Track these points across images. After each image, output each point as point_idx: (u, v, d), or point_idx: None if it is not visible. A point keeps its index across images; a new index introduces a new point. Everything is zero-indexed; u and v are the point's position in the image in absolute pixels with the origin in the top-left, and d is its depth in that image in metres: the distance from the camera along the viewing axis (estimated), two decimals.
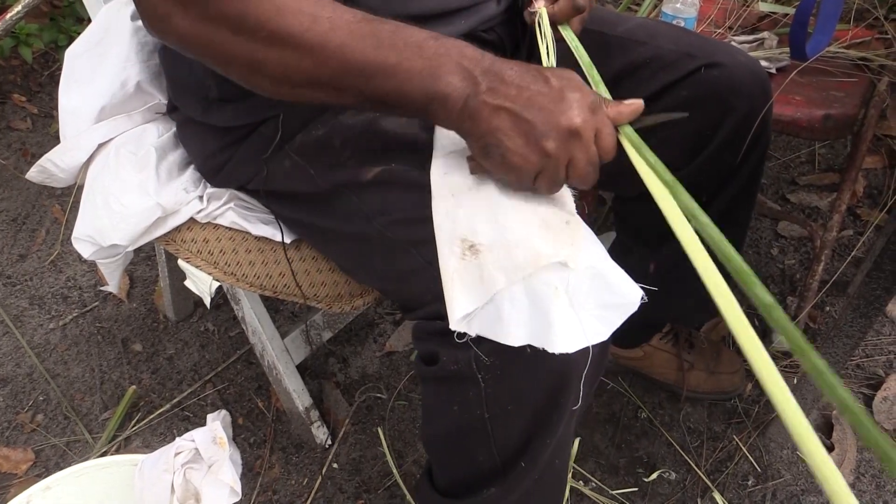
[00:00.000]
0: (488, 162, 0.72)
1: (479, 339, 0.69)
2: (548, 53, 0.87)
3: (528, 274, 0.65)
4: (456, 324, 0.68)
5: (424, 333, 0.76)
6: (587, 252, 0.68)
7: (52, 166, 1.06)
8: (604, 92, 0.81)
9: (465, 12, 0.93)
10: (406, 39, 0.70)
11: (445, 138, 0.79)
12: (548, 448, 0.76)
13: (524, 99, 0.69)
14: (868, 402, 1.44)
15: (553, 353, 0.65)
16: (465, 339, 0.69)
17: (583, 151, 0.70)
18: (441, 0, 0.89)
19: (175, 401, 1.42)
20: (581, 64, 0.87)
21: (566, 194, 0.74)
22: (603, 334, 0.67)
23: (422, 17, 0.88)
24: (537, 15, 0.90)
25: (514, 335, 0.66)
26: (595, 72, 0.85)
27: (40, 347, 1.53)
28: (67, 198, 1.83)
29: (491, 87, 0.69)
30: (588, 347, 0.67)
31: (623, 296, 0.68)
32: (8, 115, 2.06)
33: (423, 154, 0.77)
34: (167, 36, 0.76)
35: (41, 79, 2.16)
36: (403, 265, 0.79)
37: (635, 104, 0.74)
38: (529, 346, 0.66)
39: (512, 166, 0.70)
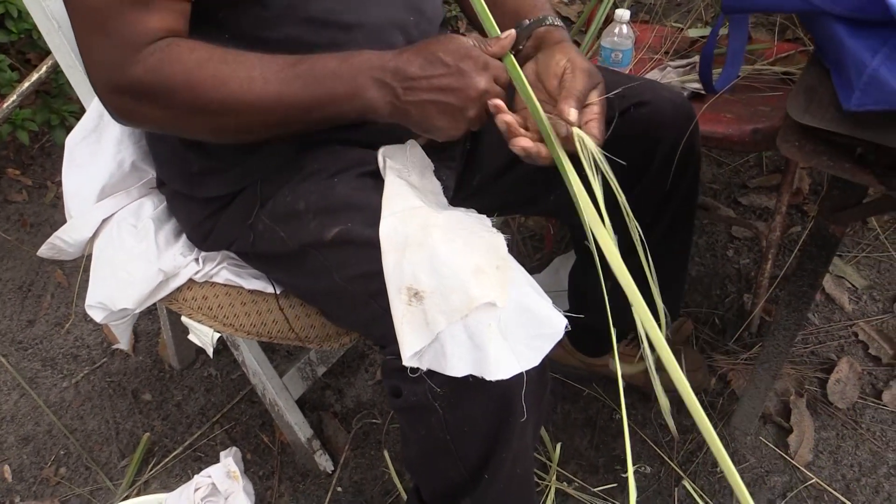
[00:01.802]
0: (431, 135, 0.91)
1: (432, 373, 0.81)
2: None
3: (464, 315, 0.78)
4: (408, 360, 0.81)
5: (389, 370, 0.89)
6: (516, 291, 0.81)
7: (62, 243, 1.18)
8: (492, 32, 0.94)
9: None
10: (323, 71, 0.87)
11: (393, 196, 0.92)
12: (506, 460, 0.89)
13: (435, 87, 0.86)
14: (823, 385, 1.57)
15: (493, 381, 0.78)
16: (418, 374, 0.81)
17: (492, 97, 0.88)
18: None
19: (187, 443, 1.54)
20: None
21: (500, 241, 0.87)
22: (534, 360, 0.80)
23: None
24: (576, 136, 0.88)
25: (457, 367, 0.79)
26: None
27: (56, 405, 1.64)
28: (69, 262, 1.95)
29: (405, 87, 0.86)
30: (523, 372, 0.79)
31: (549, 326, 0.81)
32: (4, 190, 2.18)
33: (374, 214, 0.90)
34: (135, 124, 0.99)
35: (33, 152, 2.28)
36: (365, 314, 0.92)
37: (509, 35, 0.91)
38: (472, 375, 0.79)
39: (448, 134, 0.90)
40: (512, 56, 0.91)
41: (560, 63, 0.92)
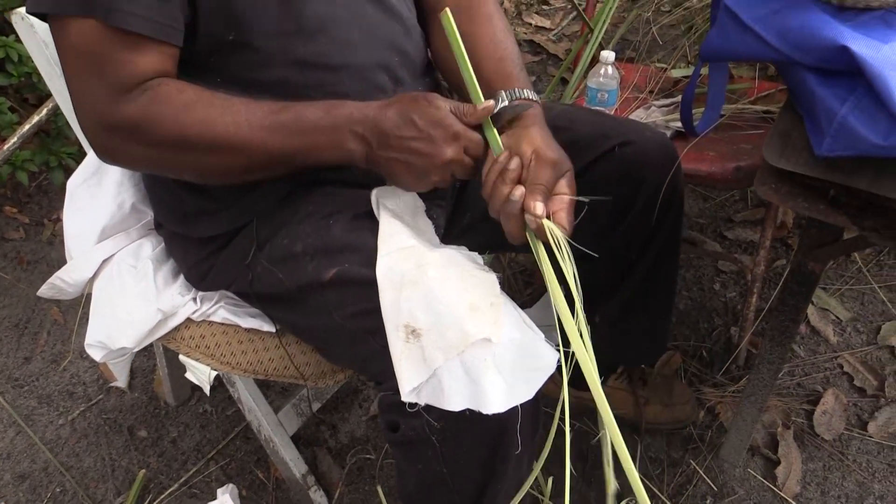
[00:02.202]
0: (398, 186, 0.99)
1: (429, 408, 0.84)
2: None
3: (460, 351, 0.82)
4: (406, 396, 0.84)
5: (386, 405, 0.92)
6: (509, 327, 0.84)
7: (62, 283, 1.21)
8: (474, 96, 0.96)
9: None
10: (307, 123, 0.93)
11: (388, 236, 0.96)
12: (500, 491, 0.92)
13: (404, 148, 0.91)
14: (809, 416, 1.60)
15: (488, 414, 0.81)
16: (416, 409, 0.84)
17: (460, 167, 0.94)
18: None
19: (182, 480, 1.55)
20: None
21: (492, 279, 0.90)
22: (528, 393, 0.83)
23: None
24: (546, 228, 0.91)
25: (454, 402, 0.82)
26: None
27: (52, 443, 1.65)
28: (65, 300, 1.97)
29: (380, 142, 0.92)
30: (517, 405, 0.82)
31: (542, 360, 0.84)
32: (1, 227, 2.21)
33: (370, 254, 0.94)
34: (119, 162, 1.02)
35: (30, 190, 2.31)
36: (364, 350, 0.95)
37: (486, 106, 0.93)
38: (469, 409, 0.82)
39: (411, 189, 0.99)
40: (495, 130, 0.95)
41: (526, 154, 0.93)
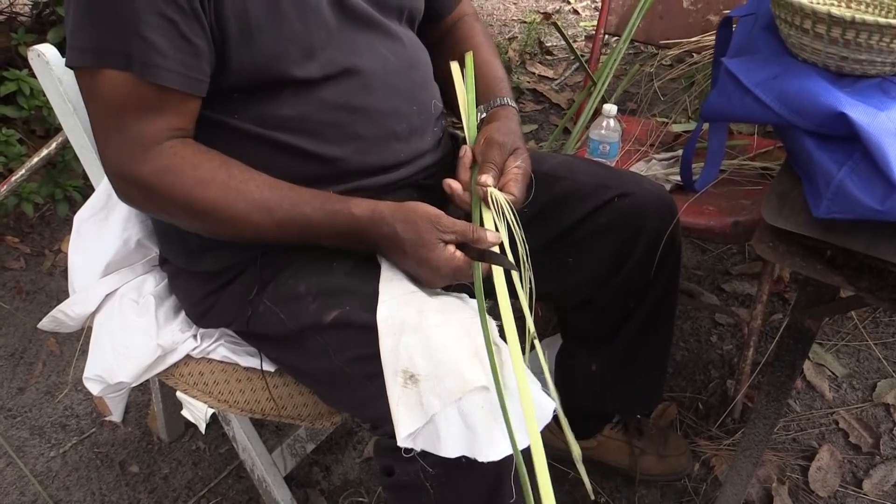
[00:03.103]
0: None
1: (424, 453, 0.85)
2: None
3: (458, 398, 0.83)
4: (403, 441, 0.85)
5: (382, 449, 0.93)
6: (507, 375, 0.85)
7: (64, 316, 1.22)
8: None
9: (405, 166, 1.12)
10: (315, 229, 0.98)
11: (389, 281, 0.97)
12: None
13: (407, 265, 1.00)
14: (804, 472, 1.60)
15: (484, 461, 0.82)
16: (411, 454, 0.85)
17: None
18: (385, 157, 1.09)
19: None
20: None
21: (491, 327, 0.92)
22: (523, 442, 0.84)
23: (370, 170, 1.08)
24: (489, 195, 1.01)
25: (450, 448, 0.83)
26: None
27: (43, 475, 1.64)
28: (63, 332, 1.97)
29: (386, 253, 1.01)
30: (512, 454, 0.83)
31: (538, 409, 0.85)
32: (2, 257, 2.22)
33: (371, 299, 0.95)
34: (139, 210, 1.15)
35: (33, 220, 2.33)
36: (361, 395, 0.96)
37: (493, 238, 0.98)
38: (465, 456, 0.82)
39: None
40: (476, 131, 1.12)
41: (480, 141, 1.08)
